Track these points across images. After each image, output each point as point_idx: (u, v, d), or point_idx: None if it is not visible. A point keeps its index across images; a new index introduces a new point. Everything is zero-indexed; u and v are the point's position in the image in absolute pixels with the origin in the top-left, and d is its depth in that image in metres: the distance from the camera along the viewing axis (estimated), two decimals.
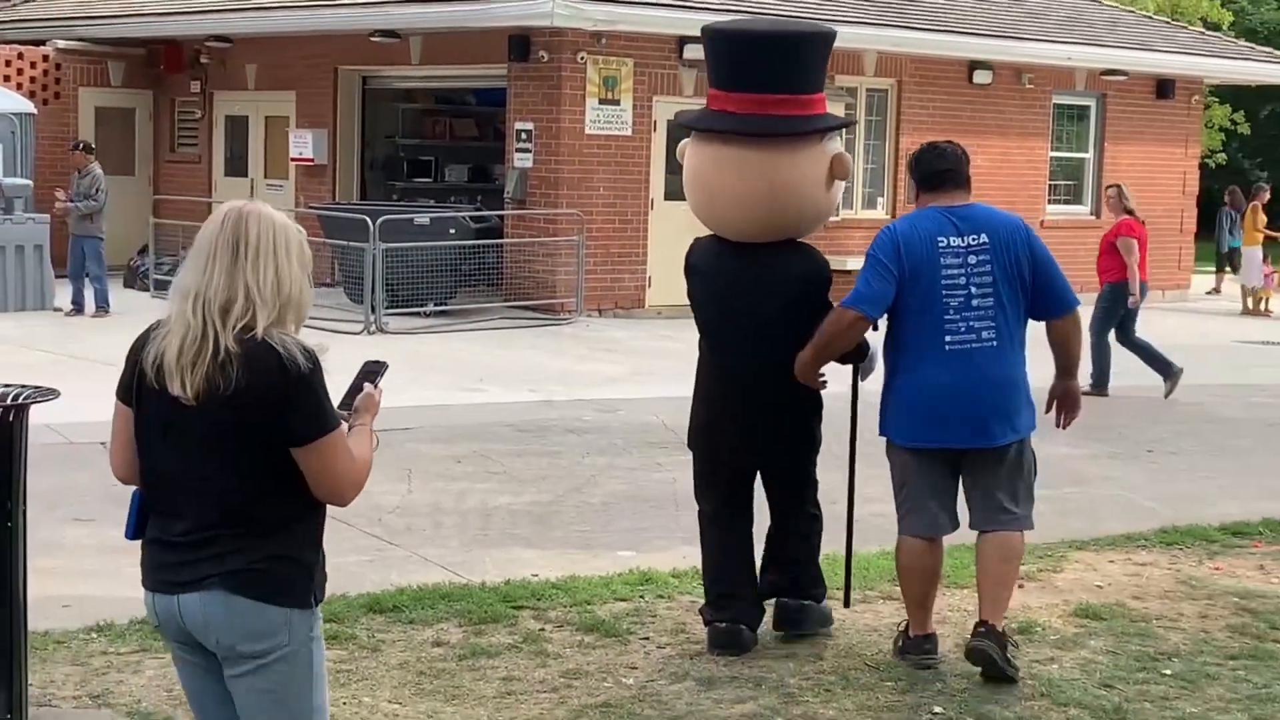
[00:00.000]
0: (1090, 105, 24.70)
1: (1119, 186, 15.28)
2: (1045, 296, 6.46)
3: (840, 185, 6.90)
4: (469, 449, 11.17)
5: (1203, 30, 30.24)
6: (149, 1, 24.19)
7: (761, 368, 6.68)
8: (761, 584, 6.90)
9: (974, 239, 6.38)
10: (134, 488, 4.02)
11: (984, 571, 6.53)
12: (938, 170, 6.57)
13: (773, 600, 6.93)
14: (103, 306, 17.95)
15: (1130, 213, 14.68)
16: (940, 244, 6.37)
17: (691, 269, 6.94)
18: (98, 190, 18.06)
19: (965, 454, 6.45)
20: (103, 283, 18.07)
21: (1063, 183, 24.69)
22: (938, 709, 6.05)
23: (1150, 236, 25.17)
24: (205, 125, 24.05)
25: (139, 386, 3.89)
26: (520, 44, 19.23)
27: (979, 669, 6.40)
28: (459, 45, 20.24)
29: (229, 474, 3.80)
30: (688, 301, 7.03)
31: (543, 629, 6.90)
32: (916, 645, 6.56)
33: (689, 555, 8.27)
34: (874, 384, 6.75)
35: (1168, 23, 28.57)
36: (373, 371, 4.16)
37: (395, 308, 18.03)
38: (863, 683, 6.32)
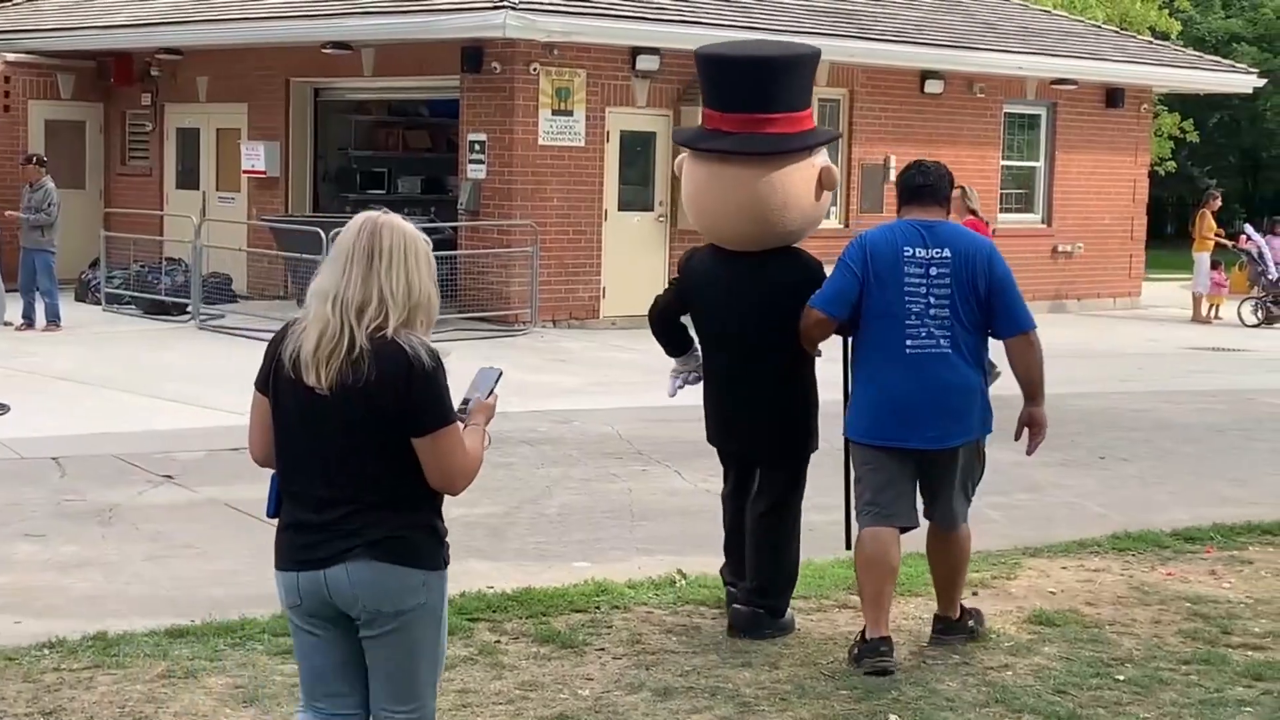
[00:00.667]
0: (1041, 114, 24.86)
1: (963, 188, 15.51)
2: (1000, 316, 6.77)
3: (828, 194, 7.37)
4: None
5: (1151, 39, 30.48)
6: (99, 14, 24.08)
7: (754, 366, 7.12)
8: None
9: (937, 252, 6.70)
10: (272, 471, 4.43)
11: (937, 568, 7.02)
12: (916, 185, 6.91)
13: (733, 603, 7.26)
14: (54, 321, 17.84)
15: (974, 214, 14.95)
16: (906, 253, 6.71)
17: (687, 276, 7.41)
18: (50, 205, 17.96)
19: (924, 454, 6.76)
20: (54, 297, 17.95)
21: (1014, 191, 24.83)
22: (893, 717, 6.07)
23: (1101, 244, 25.54)
24: (156, 138, 23.93)
25: (276, 378, 4.31)
26: (473, 55, 19.22)
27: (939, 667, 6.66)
28: (412, 57, 20.21)
29: (361, 457, 4.22)
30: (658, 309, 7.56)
31: (498, 641, 6.88)
32: (873, 648, 6.61)
33: (644, 566, 8.28)
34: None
35: (1117, 32, 28.78)
36: (491, 378, 4.48)
37: None
38: (818, 691, 6.33)
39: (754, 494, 7.27)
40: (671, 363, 7.57)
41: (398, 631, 4.29)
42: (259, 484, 10.75)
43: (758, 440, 7.19)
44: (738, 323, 7.11)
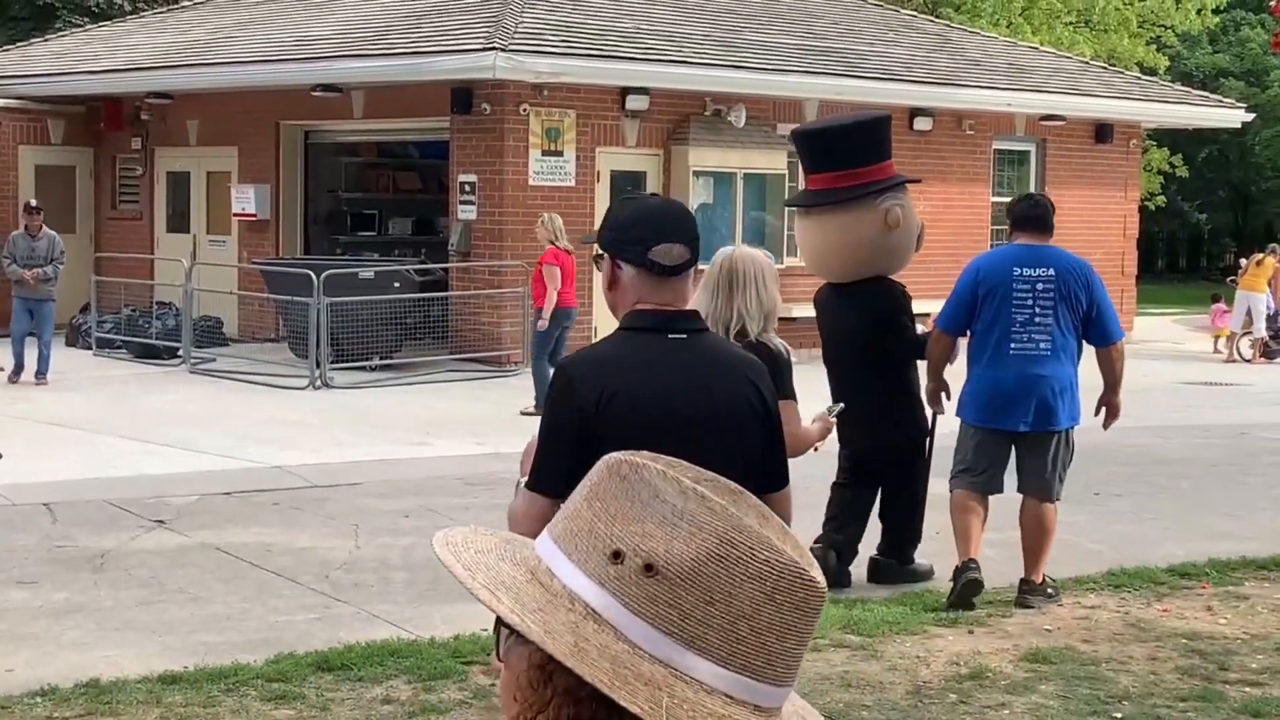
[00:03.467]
0: (1030, 150, 24.93)
1: (547, 216, 16.18)
2: (1094, 327, 8.37)
3: (902, 231, 8.86)
4: (416, 503, 11.11)
5: (1139, 75, 30.59)
6: (89, 59, 24.12)
7: (854, 377, 8.71)
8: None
9: (1043, 270, 8.26)
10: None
11: (1026, 537, 8.45)
12: (1027, 215, 8.54)
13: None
14: (43, 373, 17.32)
15: (553, 242, 15.53)
16: (1015, 272, 8.28)
17: (815, 306, 9.31)
18: (62, 253, 17.61)
19: (1021, 436, 8.33)
20: (49, 348, 17.46)
21: (1004, 228, 24.73)
22: None
23: None
24: (146, 182, 23.94)
25: None
26: (463, 97, 19.26)
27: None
28: (401, 98, 20.25)
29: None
30: None
31: (493, 684, 6.84)
32: (965, 567, 8.19)
33: None
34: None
35: (1105, 68, 28.88)
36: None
37: (340, 362, 17.95)
38: None
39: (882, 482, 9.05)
40: None
41: None
42: (252, 528, 10.76)
43: (863, 436, 8.79)
44: (834, 342, 8.98)
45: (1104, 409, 8.57)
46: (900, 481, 8.97)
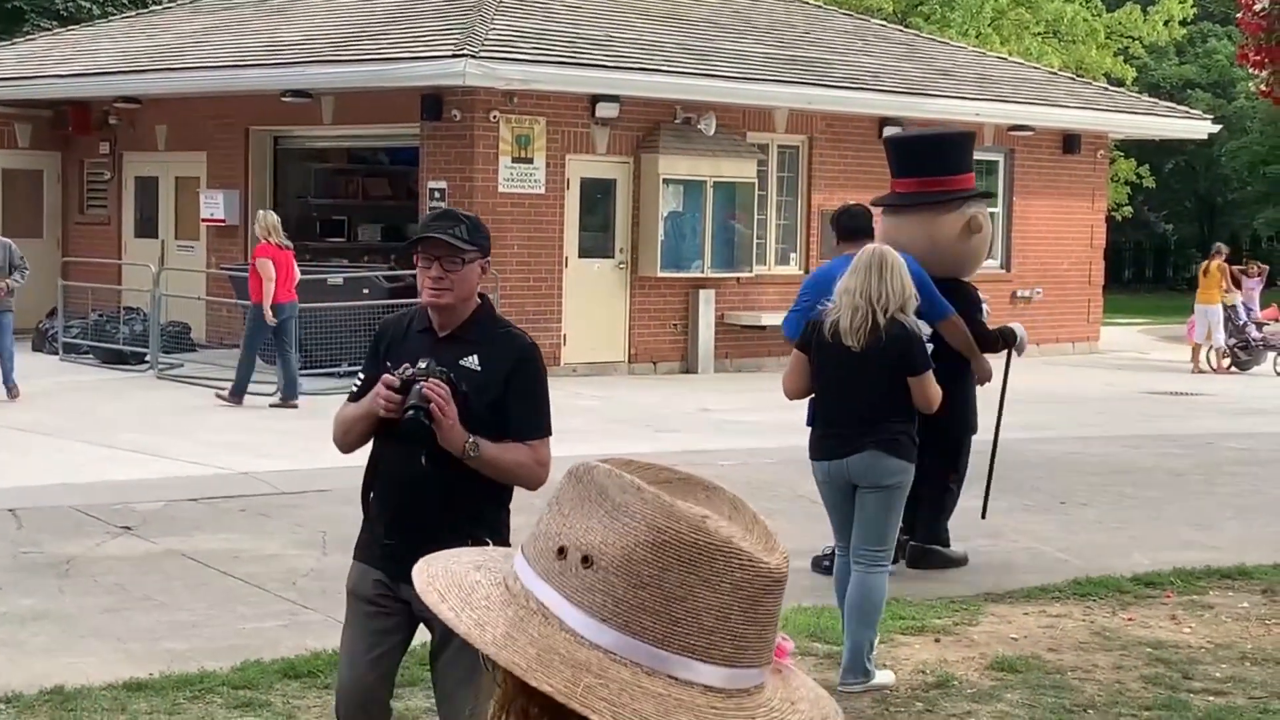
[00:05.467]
0: (999, 160, 25.01)
1: (261, 213, 16.84)
2: (925, 307, 8.85)
3: (979, 236, 9.82)
4: None
5: (1107, 86, 30.74)
6: (56, 63, 24.02)
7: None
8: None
9: None
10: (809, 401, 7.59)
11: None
12: (848, 227, 9.23)
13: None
14: (10, 383, 16.55)
15: (267, 239, 16.02)
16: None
17: None
18: (22, 259, 17.08)
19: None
20: (12, 360, 16.62)
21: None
22: None
23: (1059, 290, 25.66)
24: (115, 186, 23.85)
25: (818, 342, 7.30)
26: (433, 103, 19.25)
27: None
28: (371, 105, 20.22)
29: (881, 390, 7.13)
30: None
31: None
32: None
33: None
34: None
35: (1073, 79, 29.01)
36: None
37: (309, 369, 17.91)
38: None
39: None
40: None
41: (882, 494, 7.15)
42: (219, 535, 10.72)
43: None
44: None
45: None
46: (940, 474, 9.51)
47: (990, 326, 9.98)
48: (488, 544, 4.54)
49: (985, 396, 9.92)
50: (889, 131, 22.84)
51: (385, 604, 4.84)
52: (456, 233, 4.78)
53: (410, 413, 4.59)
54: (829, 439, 7.25)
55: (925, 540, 9.60)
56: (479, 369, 4.77)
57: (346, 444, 5.05)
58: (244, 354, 16.45)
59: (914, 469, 7.20)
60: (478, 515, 4.74)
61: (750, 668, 1.48)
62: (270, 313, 16.00)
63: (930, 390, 7.18)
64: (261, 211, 16.93)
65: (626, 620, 1.45)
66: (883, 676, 7.12)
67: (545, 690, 1.42)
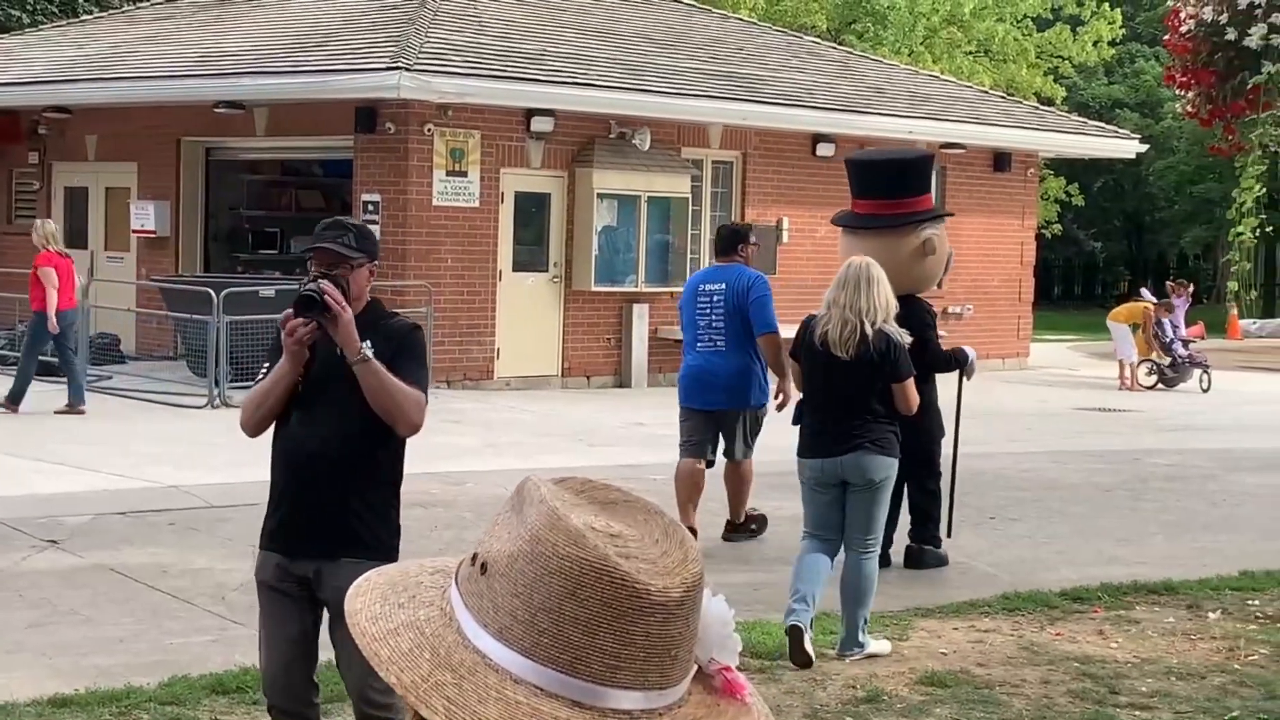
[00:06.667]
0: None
1: (39, 222, 17.01)
2: (753, 323, 10.35)
3: (935, 258, 10.15)
4: None
5: (1037, 105, 31.02)
6: None
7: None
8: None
9: (717, 286, 10.49)
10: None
11: (730, 487, 10.70)
12: (715, 241, 10.87)
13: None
14: None
15: (46, 247, 16.11)
16: (701, 289, 10.61)
17: None
18: None
19: (718, 413, 10.49)
20: None
21: None
22: None
23: (990, 306, 25.86)
24: (44, 197, 23.61)
25: (808, 350, 7.87)
26: (367, 116, 19.19)
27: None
28: (305, 116, 20.13)
29: (869, 394, 7.73)
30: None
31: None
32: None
33: None
34: None
35: (1004, 97, 29.27)
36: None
37: (239, 381, 17.77)
38: None
39: None
40: None
41: (872, 491, 7.79)
42: (147, 549, 10.63)
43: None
44: None
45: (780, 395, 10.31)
46: (920, 479, 9.99)
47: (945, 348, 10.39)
48: (373, 520, 5.09)
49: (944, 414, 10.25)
50: (823, 150, 23.09)
51: (286, 585, 5.16)
52: (345, 240, 5.20)
53: (310, 286, 5.02)
54: (823, 439, 7.84)
55: (918, 541, 10.17)
56: (371, 350, 5.12)
57: (258, 419, 5.42)
58: (23, 362, 16.43)
59: (898, 464, 7.90)
60: (366, 495, 5.13)
61: (630, 690, 1.44)
62: (55, 320, 15.94)
63: (911, 395, 7.83)
64: (39, 220, 17.08)
65: (501, 627, 1.45)
66: (877, 645, 7.92)
67: (390, 683, 1.43)
